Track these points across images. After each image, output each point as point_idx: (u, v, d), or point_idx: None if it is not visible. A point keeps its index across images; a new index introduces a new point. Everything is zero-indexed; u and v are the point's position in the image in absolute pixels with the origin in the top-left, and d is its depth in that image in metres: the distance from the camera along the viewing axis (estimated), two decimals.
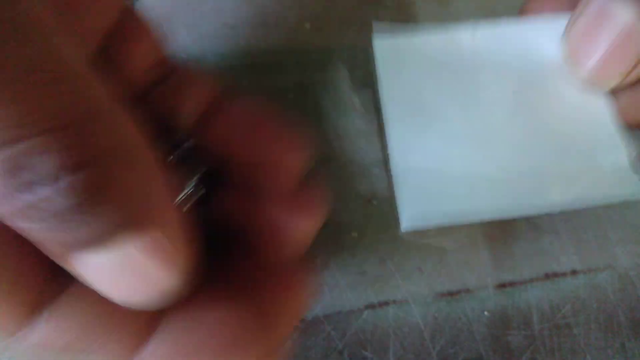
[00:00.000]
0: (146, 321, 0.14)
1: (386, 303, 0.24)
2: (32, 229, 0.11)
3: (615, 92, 0.22)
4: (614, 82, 0.21)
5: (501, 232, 0.25)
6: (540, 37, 0.23)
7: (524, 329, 0.24)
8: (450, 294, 0.24)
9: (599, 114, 0.22)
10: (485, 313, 0.25)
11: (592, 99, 0.22)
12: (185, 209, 0.16)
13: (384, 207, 0.25)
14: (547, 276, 0.25)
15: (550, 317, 0.25)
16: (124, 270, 0.12)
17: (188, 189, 0.16)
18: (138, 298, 0.13)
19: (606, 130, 0.22)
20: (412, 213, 0.20)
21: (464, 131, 0.22)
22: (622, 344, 0.25)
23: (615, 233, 0.26)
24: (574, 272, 0.25)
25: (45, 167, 0.11)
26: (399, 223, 0.21)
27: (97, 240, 0.11)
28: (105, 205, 0.11)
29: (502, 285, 0.25)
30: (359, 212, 0.25)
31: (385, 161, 0.26)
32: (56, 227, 0.11)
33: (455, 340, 0.24)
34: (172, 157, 0.16)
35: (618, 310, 0.25)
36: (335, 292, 0.24)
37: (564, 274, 0.25)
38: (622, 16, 0.19)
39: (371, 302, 0.24)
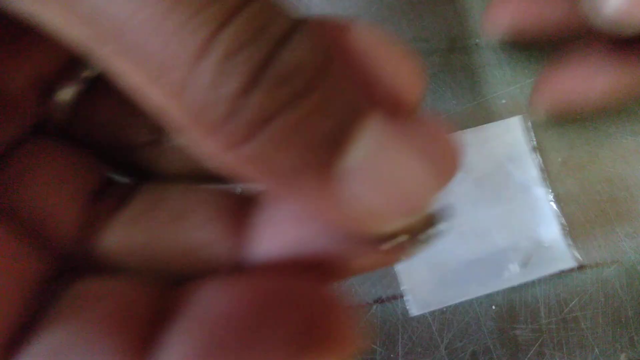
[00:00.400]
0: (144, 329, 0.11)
1: (394, 297, 0.25)
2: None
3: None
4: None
5: None
6: (498, 136, 0.26)
7: (532, 323, 0.25)
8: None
9: (538, 197, 0.26)
10: (493, 307, 0.25)
11: (531, 188, 0.26)
12: None
13: None
14: (556, 275, 0.25)
15: (557, 311, 0.25)
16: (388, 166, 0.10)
17: None
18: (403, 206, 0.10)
19: (544, 211, 0.26)
20: (417, 300, 0.25)
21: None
22: (631, 338, 0.25)
23: (622, 228, 0.26)
24: (581, 267, 0.26)
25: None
26: None
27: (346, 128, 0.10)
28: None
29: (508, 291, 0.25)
30: None
31: None
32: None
33: (463, 333, 0.25)
34: None
35: (626, 304, 0.25)
36: (344, 287, 0.25)
37: (571, 270, 0.25)
38: None
39: (380, 297, 0.25)
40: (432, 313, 0.25)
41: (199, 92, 0.09)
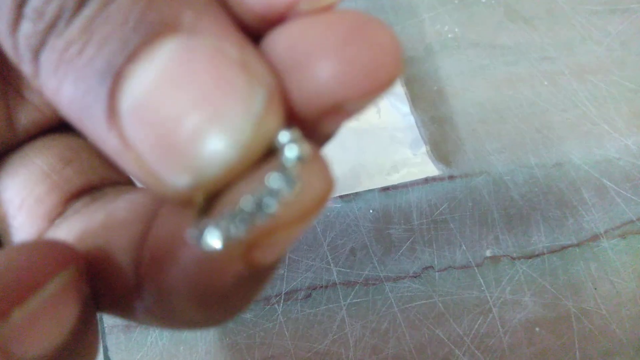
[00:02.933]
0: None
1: None
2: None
3: None
4: None
5: None
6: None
7: (404, 224, 0.28)
8: (341, 196, 0.29)
9: (410, 122, 0.30)
10: (371, 211, 0.29)
11: (405, 115, 0.30)
12: None
13: None
14: (427, 181, 0.29)
15: (428, 214, 0.28)
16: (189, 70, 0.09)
17: None
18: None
19: (414, 133, 0.29)
20: None
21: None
22: (496, 237, 0.28)
23: (491, 144, 0.29)
24: (451, 177, 0.29)
25: None
26: None
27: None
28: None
29: (386, 189, 0.29)
30: None
31: None
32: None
33: (344, 233, 0.28)
34: None
35: (492, 208, 0.28)
36: None
37: (442, 179, 0.29)
38: None
39: None
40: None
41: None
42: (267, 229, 0.09)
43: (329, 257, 0.28)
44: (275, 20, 0.10)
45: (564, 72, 0.31)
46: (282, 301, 0.27)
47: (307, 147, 0.09)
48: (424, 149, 0.29)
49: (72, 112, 0.09)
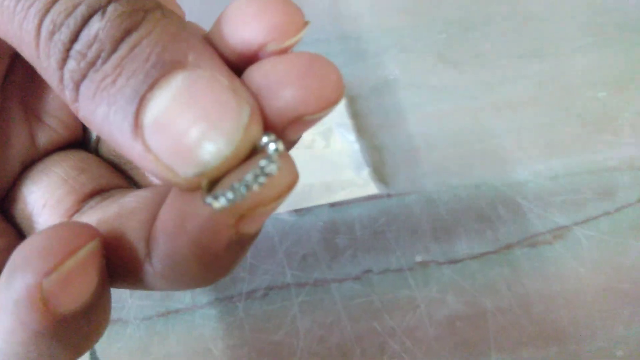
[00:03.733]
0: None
1: None
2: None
3: None
4: None
5: None
6: None
7: (349, 234, 0.33)
8: (295, 210, 0.34)
9: (355, 149, 0.34)
10: (321, 223, 0.34)
11: (352, 143, 0.35)
12: None
13: None
14: (368, 198, 0.34)
15: (369, 226, 0.34)
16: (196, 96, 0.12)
17: None
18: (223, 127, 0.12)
19: (359, 159, 0.34)
20: None
21: None
22: (425, 245, 0.33)
23: (422, 169, 0.35)
24: (389, 196, 0.34)
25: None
26: None
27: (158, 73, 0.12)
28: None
29: (333, 204, 0.34)
30: None
31: None
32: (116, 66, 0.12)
33: (297, 242, 0.33)
34: None
35: (422, 221, 0.34)
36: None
37: (381, 197, 0.34)
38: None
39: None
40: (274, 226, 0.34)
41: (43, 61, 0.12)
42: (254, 202, 0.13)
43: (284, 262, 0.32)
44: (250, 59, 0.14)
45: (485, 109, 0.37)
46: (243, 299, 0.31)
47: (281, 144, 0.13)
48: (366, 171, 0.34)
49: (104, 127, 0.12)
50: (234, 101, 0.12)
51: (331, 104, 0.13)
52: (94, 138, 0.19)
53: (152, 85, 0.12)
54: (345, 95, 0.36)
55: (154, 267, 0.14)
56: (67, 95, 0.12)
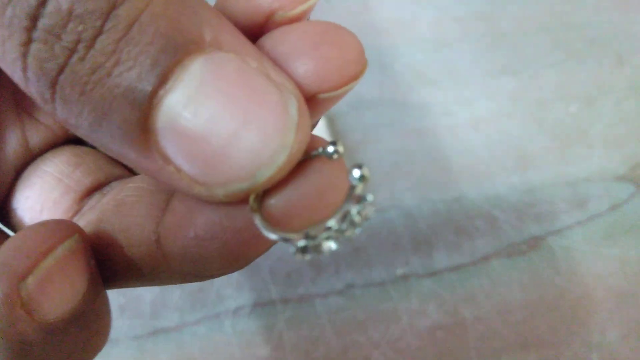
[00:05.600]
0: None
1: None
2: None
3: None
4: None
5: None
6: None
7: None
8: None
9: None
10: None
11: None
12: None
13: None
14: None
15: (350, 242, 0.35)
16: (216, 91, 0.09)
17: None
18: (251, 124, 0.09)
19: None
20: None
21: None
22: (406, 258, 0.34)
23: (403, 184, 0.36)
24: None
25: None
26: None
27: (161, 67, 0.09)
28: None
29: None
30: None
31: None
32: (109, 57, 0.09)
33: (281, 259, 0.34)
34: None
35: (403, 235, 0.35)
36: None
37: None
38: None
39: None
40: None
41: (8, 61, 0.09)
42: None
43: (269, 278, 0.33)
44: (259, 31, 0.12)
45: (462, 124, 0.38)
46: (230, 317, 0.32)
47: (341, 146, 0.11)
48: None
49: (97, 135, 0.10)
50: (275, 92, 0.10)
51: (353, 79, 0.11)
52: None
53: (164, 77, 0.09)
54: (325, 114, 0.37)
55: (167, 264, 0.13)
56: (36, 92, 0.09)
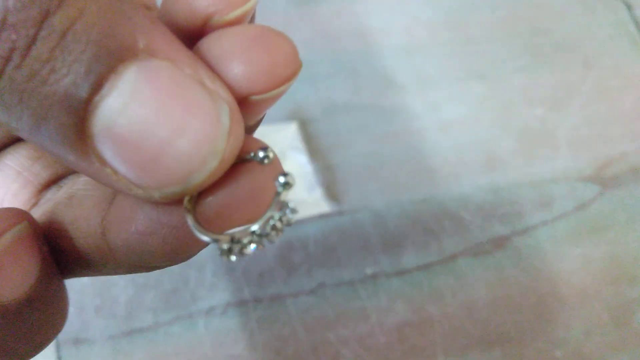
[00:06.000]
0: None
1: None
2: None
3: None
4: None
5: None
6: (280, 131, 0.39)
7: (303, 251, 0.35)
8: None
9: (307, 171, 0.37)
10: (276, 243, 0.36)
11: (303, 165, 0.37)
12: None
13: None
14: (321, 216, 0.36)
15: (322, 242, 0.36)
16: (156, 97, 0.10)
17: None
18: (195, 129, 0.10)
19: (311, 180, 0.36)
20: None
21: None
22: (375, 258, 0.35)
23: (373, 185, 0.37)
24: (340, 213, 0.36)
25: None
26: None
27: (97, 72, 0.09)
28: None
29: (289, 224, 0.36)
30: None
31: None
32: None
33: (254, 260, 0.35)
34: None
35: (372, 236, 0.36)
36: None
37: (333, 214, 0.36)
38: None
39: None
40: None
41: None
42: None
43: (242, 279, 0.34)
44: (198, 35, 0.12)
45: (430, 128, 0.40)
46: (203, 316, 0.33)
47: (272, 151, 0.12)
48: (318, 191, 0.37)
49: (36, 138, 0.10)
50: (208, 100, 0.10)
51: (284, 81, 0.11)
52: None
53: (98, 84, 0.10)
54: (298, 118, 0.38)
55: (113, 255, 0.13)
56: None
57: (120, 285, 0.33)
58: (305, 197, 0.36)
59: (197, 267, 0.34)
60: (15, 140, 0.17)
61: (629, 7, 0.48)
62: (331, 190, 0.37)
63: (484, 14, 0.45)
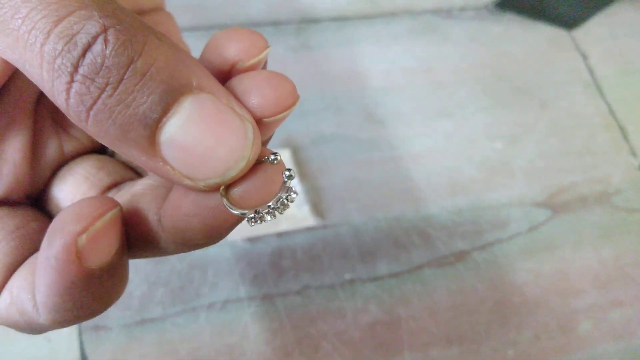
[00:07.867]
0: None
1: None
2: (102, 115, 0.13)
3: None
4: None
5: None
6: None
7: (292, 258, 0.41)
8: (249, 239, 0.42)
9: (297, 190, 0.42)
10: (269, 249, 0.42)
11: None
12: None
13: None
14: (308, 229, 0.42)
15: (308, 251, 0.42)
16: (206, 127, 0.13)
17: None
18: (231, 154, 0.14)
19: (300, 199, 0.42)
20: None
21: None
22: (353, 266, 0.41)
23: (352, 205, 0.44)
24: (324, 226, 0.43)
25: (92, 27, 0.12)
26: None
27: (161, 105, 0.13)
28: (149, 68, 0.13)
29: (280, 234, 0.42)
30: None
31: None
32: (118, 99, 0.13)
33: (250, 264, 0.41)
34: None
35: (351, 247, 0.42)
36: None
37: (318, 228, 0.42)
38: None
39: None
40: (231, 250, 0.42)
41: (47, 82, 0.13)
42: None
43: (239, 280, 0.40)
44: (228, 75, 0.16)
45: (404, 157, 0.46)
46: (205, 310, 0.39)
47: (279, 155, 0.16)
48: (306, 207, 0.43)
49: (119, 143, 0.13)
50: (238, 120, 0.14)
51: (286, 108, 0.15)
52: None
53: (166, 109, 0.13)
54: (290, 146, 0.45)
55: (166, 236, 0.17)
56: (74, 115, 0.13)
57: (135, 282, 0.39)
58: (295, 212, 0.43)
59: (201, 268, 0.40)
60: (81, 154, 0.21)
61: (584, 57, 0.55)
62: (317, 208, 0.43)
63: (453, 61, 0.52)
